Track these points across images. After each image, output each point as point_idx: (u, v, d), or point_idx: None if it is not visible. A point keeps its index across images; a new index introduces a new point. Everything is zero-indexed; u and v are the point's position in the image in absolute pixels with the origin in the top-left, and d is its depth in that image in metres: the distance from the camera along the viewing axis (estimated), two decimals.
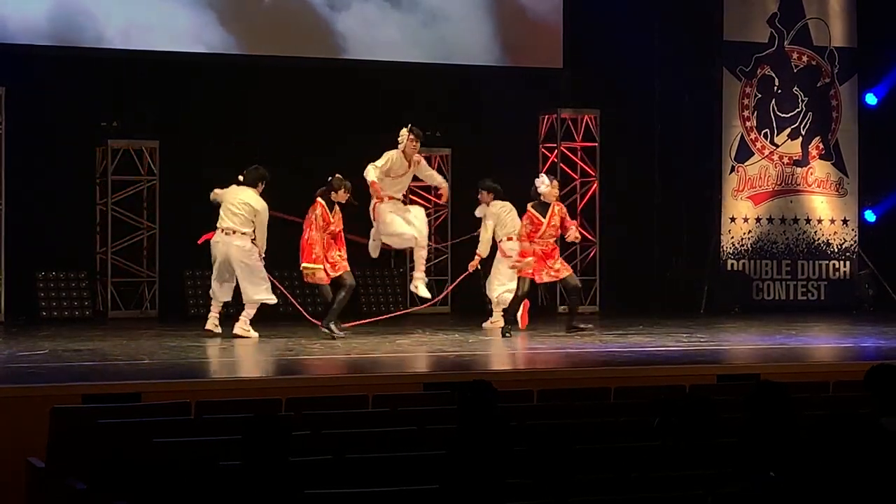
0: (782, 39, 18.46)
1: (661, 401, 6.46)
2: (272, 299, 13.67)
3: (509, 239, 14.73)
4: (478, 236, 15.16)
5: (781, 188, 18.50)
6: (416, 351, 13.05)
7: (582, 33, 17.73)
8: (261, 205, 13.50)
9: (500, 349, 12.84)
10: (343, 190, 13.65)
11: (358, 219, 14.36)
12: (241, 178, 13.62)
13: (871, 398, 6.64)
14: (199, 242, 13.67)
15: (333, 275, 13.62)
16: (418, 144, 14.20)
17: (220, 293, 13.70)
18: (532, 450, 5.98)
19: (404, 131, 14.08)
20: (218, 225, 13.49)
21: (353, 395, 8.99)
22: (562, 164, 17.81)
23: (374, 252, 14.57)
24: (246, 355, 12.36)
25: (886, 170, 18.80)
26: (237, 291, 13.68)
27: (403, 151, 14.06)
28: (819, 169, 18.63)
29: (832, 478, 5.08)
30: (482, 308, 17.43)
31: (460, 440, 6.34)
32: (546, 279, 14.41)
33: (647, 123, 18.64)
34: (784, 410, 5.91)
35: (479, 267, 15.04)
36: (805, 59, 18.59)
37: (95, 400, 8.91)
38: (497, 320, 14.62)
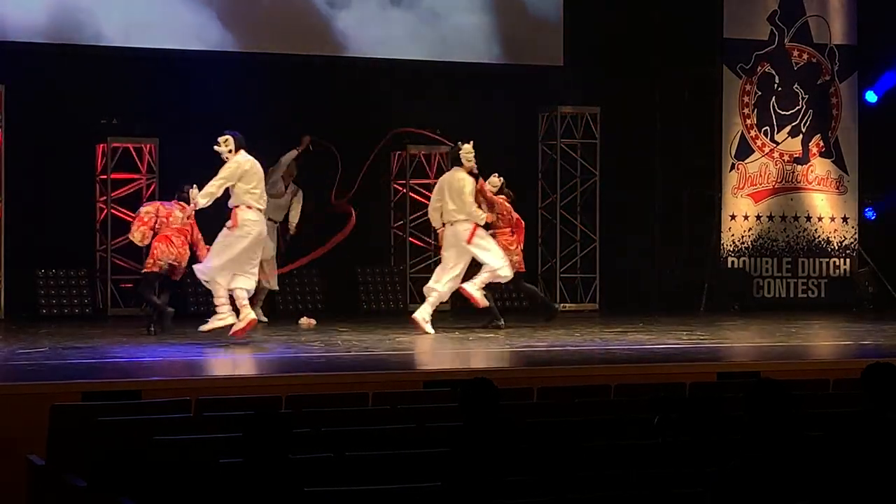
0: (782, 37, 18.46)
1: (662, 398, 6.47)
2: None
3: None
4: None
5: (782, 186, 18.50)
6: (417, 349, 13.04)
7: (582, 30, 17.72)
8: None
9: (500, 347, 12.83)
10: None
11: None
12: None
13: (867, 396, 6.66)
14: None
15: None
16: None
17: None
18: (533, 447, 5.99)
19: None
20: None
21: (353, 393, 8.99)
22: (562, 162, 17.81)
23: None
24: (244, 353, 12.35)
25: (886, 167, 18.79)
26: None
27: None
28: (819, 166, 18.62)
29: (834, 473, 5.08)
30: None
31: (463, 438, 6.34)
32: None
33: (648, 121, 18.63)
34: (784, 408, 5.91)
35: None
36: (805, 56, 18.58)
37: (95, 397, 8.92)
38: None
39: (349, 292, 17.11)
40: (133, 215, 14.50)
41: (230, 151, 12.62)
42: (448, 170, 14.58)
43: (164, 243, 13.49)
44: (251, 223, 12.54)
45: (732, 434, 6.35)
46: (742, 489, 5.54)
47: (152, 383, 9.82)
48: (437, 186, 14.43)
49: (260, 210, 12.61)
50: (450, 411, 7.41)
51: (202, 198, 12.63)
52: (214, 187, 12.58)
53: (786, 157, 18.53)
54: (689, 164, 18.65)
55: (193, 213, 13.29)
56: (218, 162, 15.10)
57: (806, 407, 7.90)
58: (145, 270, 13.76)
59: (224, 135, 12.71)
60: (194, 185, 13.53)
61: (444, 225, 14.16)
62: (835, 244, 18.67)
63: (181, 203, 13.56)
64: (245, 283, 12.56)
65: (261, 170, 12.76)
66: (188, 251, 13.55)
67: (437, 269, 14.23)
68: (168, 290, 13.70)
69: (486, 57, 17.55)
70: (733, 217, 18.32)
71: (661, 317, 15.87)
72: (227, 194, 12.67)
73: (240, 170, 12.55)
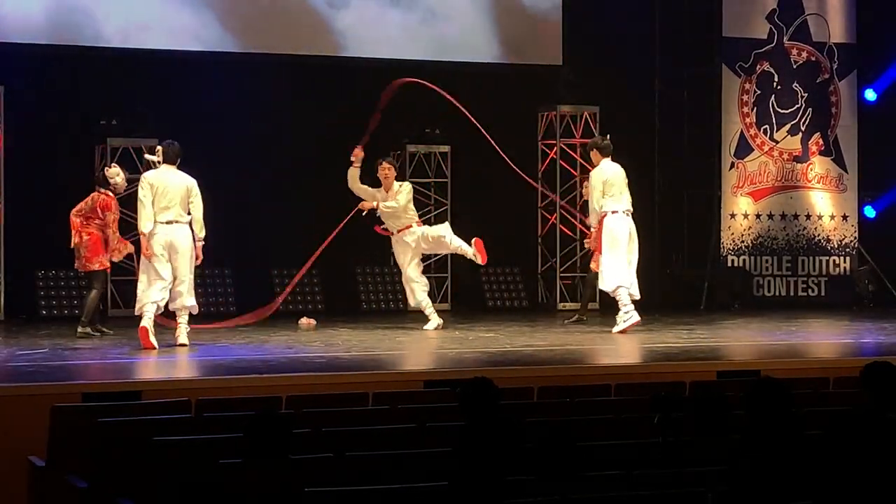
0: (781, 35, 18.47)
1: (662, 397, 6.47)
2: None
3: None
4: None
5: (781, 184, 18.51)
6: (417, 348, 13.05)
7: (581, 30, 17.73)
8: None
9: (500, 347, 12.83)
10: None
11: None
12: None
13: (867, 394, 6.67)
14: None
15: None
16: (391, 171, 14.26)
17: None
18: (534, 447, 5.98)
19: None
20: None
21: (353, 393, 8.99)
22: (561, 161, 17.80)
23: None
24: (245, 353, 12.35)
25: (886, 166, 18.80)
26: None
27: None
28: (819, 165, 18.64)
29: (834, 472, 5.08)
30: (482, 305, 17.44)
31: (465, 437, 6.34)
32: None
33: (647, 120, 18.63)
34: (784, 407, 5.91)
35: None
36: (804, 55, 18.59)
37: (95, 398, 8.91)
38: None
39: (349, 292, 17.12)
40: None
41: (159, 162, 12.48)
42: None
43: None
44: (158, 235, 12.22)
45: (733, 433, 6.34)
46: (743, 488, 5.55)
47: (152, 384, 9.82)
48: (604, 180, 13.97)
49: (161, 223, 12.18)
50: (450, 411, 7.41)
51: (144, 228, 12.25)
52: (143, 211, 12.26)
53: (785, 156, 18.53)
54: (689, 164, 18.65)
55: (104, 198, 13.47)
56: (217, 162, 15.18)
57: (806, 405, 7.90)
58: None
59: (160, 144, 12.59)
60: (113, 164, 13.62)
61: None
62: (834, 242, 18.68)
63: (99, 190, 13.56)
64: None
65: (173, 182, 12.25)
66: (84, 237, 13.52)
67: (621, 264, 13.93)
68: (95, 287, 13.63)
69: (486, 57, 17.55)
70: (733, 216, 18.32)
71: (660, 316, 15.87)
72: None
73: (147, 185, 12.25)
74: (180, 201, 12.23)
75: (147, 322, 12.09)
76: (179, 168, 12.44)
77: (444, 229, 14.40)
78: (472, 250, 14.20)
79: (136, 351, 12.08)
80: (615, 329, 13.77)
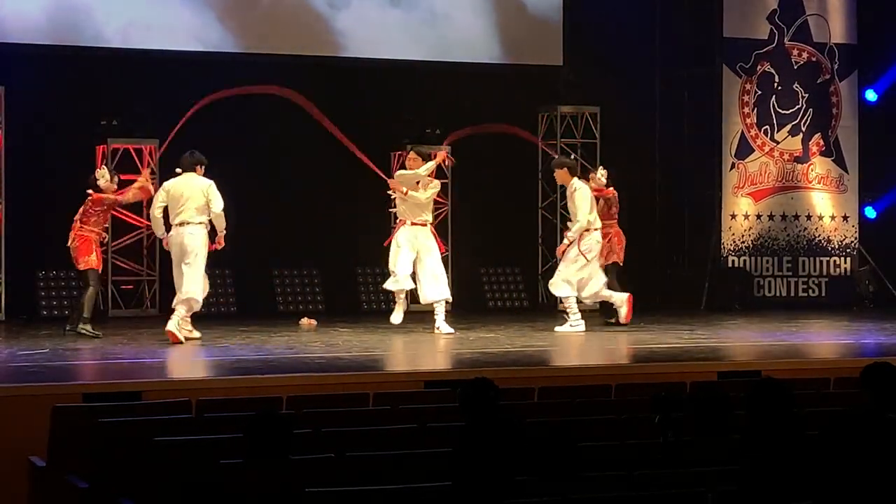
0: (782, 36, 18.47)
1: (662, 398, 6.47)
2: None
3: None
4: None
5: (782, 185, 18.51)
6: (417, 349, 13.05)
7: (582, 30, 17.73)
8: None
9: (500, 347, 12.84)
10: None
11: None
12: None
13: (867, 395, 6.67)
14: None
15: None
16: (416, 162, 14.08)
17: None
18: (534, 447, 5.99)
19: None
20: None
21: (353, 394, 8.99)
22: None
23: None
24: (245, 353, 12.35)
25: (886, 166, 18.80)
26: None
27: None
28: (819, 165, 18.64)
29: (835, 473, 5.08)
30: (483, 305, 17.45)
31: (465, 438, 6.34)
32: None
33: (648, 120, 18.63)
34: (785, 407, 5.92)
35: None
36: (805, 55, 18.59)
37: (96, 399, 8.92)
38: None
39: (349, 292, 17.11)
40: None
41: (181, 173, 13.08)
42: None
43: None
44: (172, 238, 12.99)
45: (734, 433, 6.35)
46: (743, 488, 5.55)
47: (153, 384, 9.82)
48: (589, 199, 14.25)
49: (174, 225, 12.92)
50: (451, 411, 7.41)
51: (159, 235, 13.34)
52: (153, 222, 13.28)
53: (786, 156, 18.53)
54: (689, 164, 18.65)
55: (92, 202, 13.59)
56: (217, 162, 15.18)
57: (806, 406, 7.90)
58: None
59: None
60: (102, 166, 13.96)
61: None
62: (835, 243, 18.68)
63: (90, 193, 13.68)
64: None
65: (188, 186, 12.90)
66: (75, 240, 13.71)
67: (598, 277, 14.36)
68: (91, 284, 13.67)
69: (486, 57, 17.54)
70: (734, 216, 18.32)
71: (661, 316, 15.87)
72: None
73: (163, 193, 13.07)
74: (195, 204, 12.87)
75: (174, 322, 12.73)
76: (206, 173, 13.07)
77: (436, 274, 14.02)
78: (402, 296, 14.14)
79: (138, 351, 12.10)
80: (558, 328, 14.10)
